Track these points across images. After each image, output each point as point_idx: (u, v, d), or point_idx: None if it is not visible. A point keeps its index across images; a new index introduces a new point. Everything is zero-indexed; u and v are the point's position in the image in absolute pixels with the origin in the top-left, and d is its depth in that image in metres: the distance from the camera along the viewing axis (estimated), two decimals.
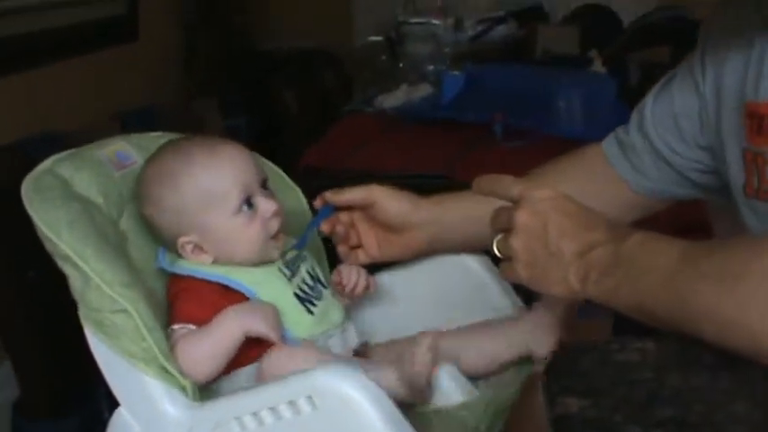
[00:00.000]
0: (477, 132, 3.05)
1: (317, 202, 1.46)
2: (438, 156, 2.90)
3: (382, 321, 1.52)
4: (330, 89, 4.17)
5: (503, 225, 1.12)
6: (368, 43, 4.70)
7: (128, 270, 1.23)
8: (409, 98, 3.47)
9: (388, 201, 1.44)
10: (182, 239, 1.31)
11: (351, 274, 1.42)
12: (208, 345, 1.22)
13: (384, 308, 1.53)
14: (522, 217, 1.09)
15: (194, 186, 1.30)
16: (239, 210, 1.31)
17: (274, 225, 1.33)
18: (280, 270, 1.33)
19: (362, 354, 1.38)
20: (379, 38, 4.57)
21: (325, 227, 1.45)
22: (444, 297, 1.51)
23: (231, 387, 1.25)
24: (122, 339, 1.19)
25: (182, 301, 1.27)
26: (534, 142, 2.96)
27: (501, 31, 4.27)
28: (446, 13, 4.19)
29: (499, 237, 1.13)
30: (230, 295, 1.28)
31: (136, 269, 1.30)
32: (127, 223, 1.37)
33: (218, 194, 1.30)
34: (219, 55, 4.49)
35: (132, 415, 1.22)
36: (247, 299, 1.28)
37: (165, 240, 1.34)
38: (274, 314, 1.26)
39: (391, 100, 3.51)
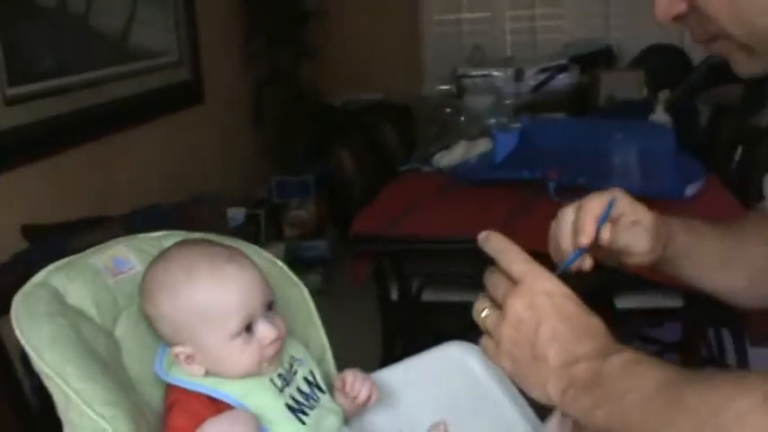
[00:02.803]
0: (532, 191, 3.05)
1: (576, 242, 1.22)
2: (492, 218, 2.89)
3: (383, 423, 1.49)
4: (394, 144, 4.20)
5: (496, 297, 1.06)
6: (436, 93, 4.71)
7: (111, 387, 1.23)
8: (466, 156, 3.47)
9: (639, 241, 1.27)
10: (176, 349, 1.30)
11: (355, 383, 1.39)
12: None
13: (385, 409, 1.50)
14: (516, 305, 1.03)
15: (193, 303, 1.29)
16: (237, 335, 1.28)
17: (270, 351, 1.30)
18: (271, 381, 1.31)
19: None
20: (447, 87, 4.57)
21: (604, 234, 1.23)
22: (448, 401, 1.47)
23: None
24: None
25: (173, 415, 1.27)
26: None
27: (563, 79, 4.24)
28: (507, 63, 4.19)
29: (487, 311, 1.07)
30: (219, 407, 1.26)
31: (127, 381, 1.30)
32: (122, 330, 1.37)
33: (218, 316, 1.28)
34: (288, 111, 4.55)
35: None
36: None
37: (163, 339, 1.34)
38: (254, 425, 1.24)
39: (448, 158, 3.51)
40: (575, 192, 2.86)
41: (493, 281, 1.07)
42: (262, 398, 1.29)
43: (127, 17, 3.63)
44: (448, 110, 4.21)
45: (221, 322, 1.28)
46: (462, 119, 3.94)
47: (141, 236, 1.51)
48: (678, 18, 1.01)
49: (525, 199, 3.01)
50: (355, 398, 1.39)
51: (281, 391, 1.31)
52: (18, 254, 1.42)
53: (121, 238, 1.48)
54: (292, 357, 1.38)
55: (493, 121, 3.81)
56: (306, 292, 1.58)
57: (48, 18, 3.16)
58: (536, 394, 1.05)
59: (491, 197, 3.11)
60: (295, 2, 4.61)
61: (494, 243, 1.08)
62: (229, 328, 1.28)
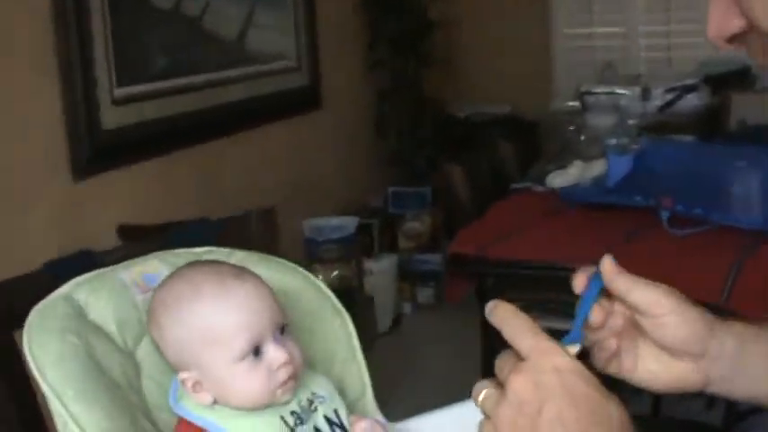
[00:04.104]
0: (645, 218, 2.90)
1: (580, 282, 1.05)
2: (598, 245, 2.74)
3: None
4: (512, 161, 4.09)
5: (500, 376, 0.92)
6: (564, 110, 4.57)
7: (113, 413, 1.17)
8: (580, 177, 3.34)
9: (680, 318, 1.04)
10: (182, 374, 1.23)
11: None
12: None
13: None
14: (518, 383, 0.88)
15: (196, 322, 1.21)
16: (242, 358, 1.19)
17: (281, 376, 1.20)
18: (282, 419, 1.22)
19: None
20: (575, 104, 4.43)
21: (597, 316, 1.04)
22: None
23: None
24: None
25: None
26: (704, 231, 2.79)
27: (691, 99, 4.01)
28: (635, 81, 4.02)
29: (487, 390, 0.92)
30: None
31: (141, 407, 1.25)
32: (145, 352, 1.31)
33: (222, 338, 1.19)
34: (410, 121, 4.49)
35: None
36: None
37: (171, 367, 1.27)
38: None
39: (562, 178, 3.38)
40: (690, 222, 2.77)
41: (501, 360, 0.93)
42: None
43: (243, 20, 3.62)
44: (571, 128, 4.06)
45: (226, 343, 1.19)
46: (582, 138, 3.79)
47: (180, 251, 1.44)
48: (734, 38, 0.87)
49: (637, 227, 2.86)
50: None
51: (292, 430, 1.22)
52: (50, 262, 1.38)
53: (158, 253, 1.43)
54: (314, 394, 1.28)
55: (613, 141, 3.63)
56: (350, 322, 1.47)
57: (162, 20, 3.18)
58: None
59: (601, 222, 2.97)
60: (419, 10, 4.53)
61: (500, 313, 0.94)
62: (234, 349, 1.19)
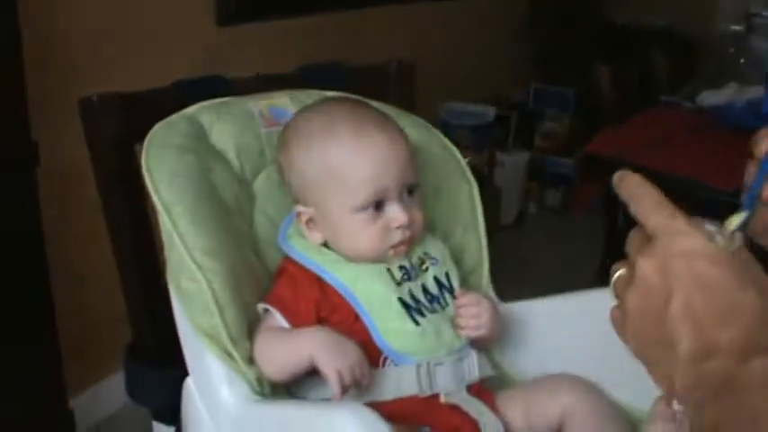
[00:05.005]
0: None
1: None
2: (741, 168, 2.62)
3: (523, 354, 1.34)
4: (664, 76, 3.92)
5: (630, 255, 0.82)
6: (726, 32, 4.36)
7: (221, 237, 1.15)
8: (734, 99, 3.17)
9: None
10: (300, 208, 1.20)
11: (469, 309, 1.22)
12: (279, 352, 1.11)
13: (528, 339, 1.35)
14: (645, 266, 0.78)
15: (326, 160, 1.17)
16: (363, 209, 1.16)
17: (395, 237, 1.17)
18: (389, 271, 1.18)
19: (480, 393, 1.20)
20: (738, 27, 4.22)
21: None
22: (595, 348, 1.21)
23: (314, 393, 1.15)
24: (193, 309, 1.12)
25: (279, 283, 1.18)
26: None
27: None
28: None
29: (621, 271, 0.82)
30: (325, 288, 1.16)
31: (249, 236, 1.23)
32: (262, 184, 1.29)
33: (347, 182, 1.16)
34: (563, 19, 4.33)
35: (196, 387, 1.17)
36: (341, 297, 1.15)
37: (291, 195, 1.24)
38: (356, 365, 1.08)
39: (713, 98, 3.22)
40: None
41: (631, 235, 0.83)
42: (371, 285, 1.16)
43: None
44: (732, 50, 3.87)
45: (349, 190, 1.16)
46: (742, 61, 3.60)
47: (312, 91, 1.40)
48: None
49: None
50: (458, 327, 1.21)
51: (399, 284, 1.18)
52: (178, 82, 1.34)
53: (289, 90, 1.39)
54: (426, 254, 1.24)
55: None
56: (476, 193, 1.42)
57: None
58: (661, 384, 0.80)
59: (744, 146, 2.82)
60: None
61: (627, 186, 0.82)
62: (356, 198, 1.15)
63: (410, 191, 1.19)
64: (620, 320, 0.82)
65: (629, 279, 0.79)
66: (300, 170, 1.20)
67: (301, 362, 1.10)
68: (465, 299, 1.23)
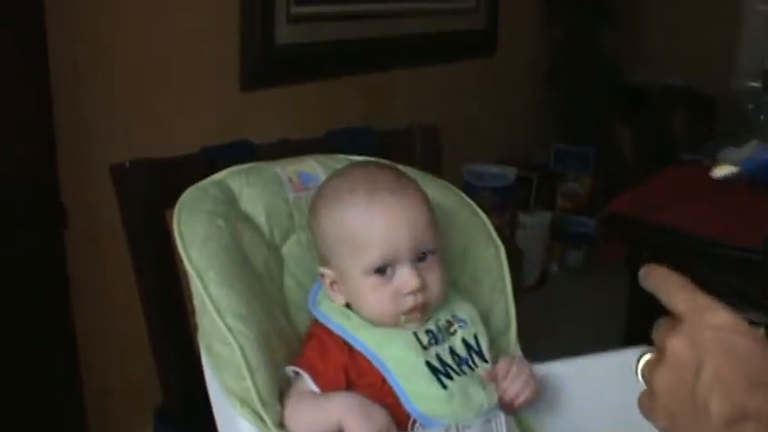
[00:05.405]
0: None
1: None
2: (758, 227, 2.62)
3: (552, 416, 1.34)
4: (683, 134, 3.93)
5: (658, 342, 0.84)
6: (744, 88, 4.39)
7: (251, 301, 1.17)
8: (756, 157, 3.18)
9: None
10: (323, 269, 1.22)
11: (513, 382, 1.23)
12: (308, 416, 1.13)
13: (557, 403, 1.35)
14: (675, 344, 0.81)
15: (342, 223, 1.19)
16: (373, 272, 1.17)
17: (407, 303, 1.17)
18: (415, 335, 1.19)
19: None
20: (757, 84, 4.24)
21: None
22: (623, 409, 1.15)
23: None
24: (225, 373, 1.13)
25: (309, 346, 1.19)
26: None
27: None
28: None
29: (648, 356, 0.85)
30: (353, 353, 1.17)
31: (280, 301, 1.25)
32: (291, 249, 1.30)
33: (358, 246, 1.17)
34: (581, 78, 4.36)
35: None
36: (369, 362, 1.16)
37: (319, 259, 1.26)
38: (384, 430, 1.10)
39: (735, 155, 3.23)
40: None
41: (658, 325, 0.85)
42: (397, 350, 1.17)
43: None
44: (750, 106, 3.89)
45: (361, 252, 1.17)
46: (762, 117, 3.61)
47: (339, 156, 1.43)
48: None
49: None
50: (504, 391, 1.23)
51: (426, 348, 1.18)
52: (207, 148, 1.37)
53: (317, 155, 1.41)
54: (454, 316, 1.25)
55: None
56: (503, 255, 1.43)
57: None
58: None
59: None
60: None
61: (653, 278, 0.86)
62: (365, 261, 1.17)
63: (425, 256, 1.20)
64: (648, 404, 0.84)
65: (658, 360, 0.82)
66: (323, 233, 1.22)
67: (330, 427, 1.10)
68: (503, 365, 1.24)
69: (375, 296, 1.18)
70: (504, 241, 1.44)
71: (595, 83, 4.38)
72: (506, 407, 1.24)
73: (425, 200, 1.22)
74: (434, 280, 1.20)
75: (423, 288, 1.17)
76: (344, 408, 1.11)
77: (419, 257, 1.19)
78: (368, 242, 1.17)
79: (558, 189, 4.40)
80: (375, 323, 1.19)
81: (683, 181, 3.08)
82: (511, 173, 3.83)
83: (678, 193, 2.91)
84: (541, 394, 1.32)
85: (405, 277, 1.17)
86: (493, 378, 1.22)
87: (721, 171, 1.00)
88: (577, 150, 4.32)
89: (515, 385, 1.23)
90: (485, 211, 1.47)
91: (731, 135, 3.66)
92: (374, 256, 1.16)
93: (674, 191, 2.93)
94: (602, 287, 3.72)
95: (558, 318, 3.68)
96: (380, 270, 1.17)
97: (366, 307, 1.19)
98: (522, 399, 1.23)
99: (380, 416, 1.10)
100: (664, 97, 4.26)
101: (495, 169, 3.77)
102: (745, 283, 2.69)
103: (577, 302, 3.88)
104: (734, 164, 3.04)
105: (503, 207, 3.69)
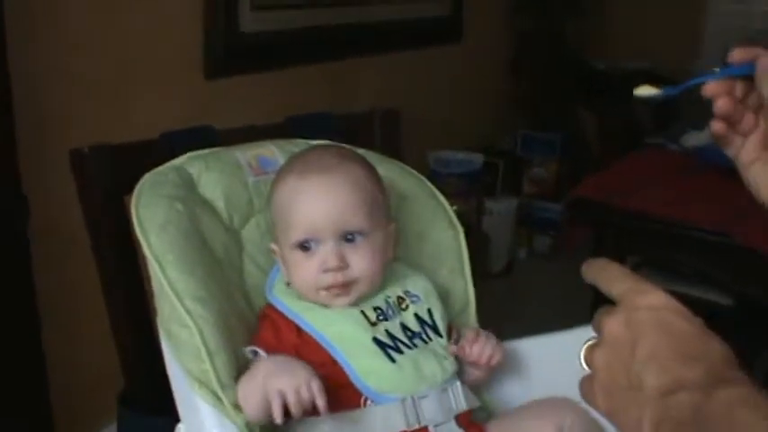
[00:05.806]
0: None
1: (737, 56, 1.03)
2: (727, 208, 2.64)
3: (510, 388, 1.37)
4: (648, 119, 3.96)
5: (597, 328, 0.86)
6: (708, 72, 4.41)
7: (210, 285, 1.17)
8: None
9: None
10: (272, 245, 1.28)
11: (485, 346, 1.26)
12: (246, 387, 1.13)
13: (514, 378, 1.38)
14: (611, 325, 0.82)
15: (278, 203, 1.24)
16: (296, 247, 1.21)
17: (326, 280, 1.20)
18: (362, 313, 1.21)
19: (470, 427, 1.22)
20: (720, 68, 4.26)
21: (713, 88, 1.09)
22: None
23: None
24: (184, 355, 1.14)
25: (262, 328, 1.21)
26: None
27: None
28: None
29: (589, 342, 0.86)
30: (302, 335, 1.19)
31: (238, 285, 1.26)
32: (251, 233, 1.32)
33: (286, 222, 1.22)
34: (547, 66, 4.38)
35: None
36: (317, 342, 1.18)
37: None
38: (304, 385, 1.07)
39: (697, 138, 3.25)
40: None
41: (597, 314, 0.87)
42: (343, 328, 1.20)
43: None
44: None
45: (288, 227, 1.22)
46: None
47: (298, 140, 1.44)
48: None
49: None
50: (479, 355, 1.26)
51: (375, 324, 1.21)
52: (167, 134, 1.37)
53: (276, 140, 1.42)
54: (407, 292, 1.27)
55: None
56: (462, 238, 1.45)
57: None
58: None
59: (732, 187, 2.83)
60: None
61: (593, 270, 0.89)
62: (291, 235, 1.21)
63: (354, 236, 1.21)
64: (588, 387, 0.85)
65: (597, 343, 0.84)
66: (270, 211, 1.27)
67: (262, 392, 1.09)
68: (471, 332, 1.28)
69: (299, 270, 1.22)
70: (470, 227, 1.45)
71: (561, 69, 4.39)
72: (478, 370, 1.28)
73: (362, 182, 1.24)
74: (360, 261, 1.21)
75: (343, 267, 1.20)
76: (265, 369, 1.12)
77: (346, 238, 1.21)
78: (293, 218, 1.21)
79: (524, 174, 4.42)
80: (306, 299, 1.22)
81: (649, 165, 3.11)
82: (477, 159, 3.83)
83: (644, 176, 2.93)
84: (505, 366, 1.34)
85: (324, 255, 1.20)
86: (460, 350, 1.25)
87: (643, 92, 1.06)
88: (544, 136, 4.34)
89: (487, 348, 1.26)
90: (449, 197, 1.49)
91: (695, 119, 3.68)
92: (298, 232, 1.20)
93: (638, 175, 2.95)
94: (569, 272, 3.72)
95: (526, 303, 3.70)
96: (304, 246, 1.21)
97: (294, 280, 1.23)
98: (495, 359, 1.26)
99: (302, 370, 1.09)
100: (628, 81, 4.28)
101: (461, 155, 3.77)
102: (711, 266, 2.71)
103: (545, 288, 3.89)
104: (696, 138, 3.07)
105: (469, 193, 3.70)
